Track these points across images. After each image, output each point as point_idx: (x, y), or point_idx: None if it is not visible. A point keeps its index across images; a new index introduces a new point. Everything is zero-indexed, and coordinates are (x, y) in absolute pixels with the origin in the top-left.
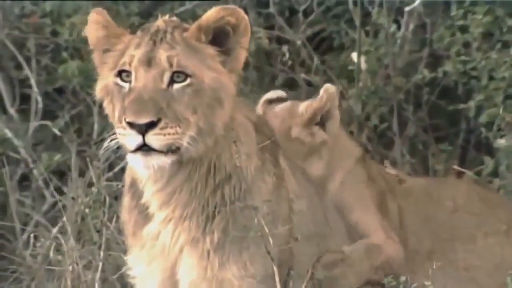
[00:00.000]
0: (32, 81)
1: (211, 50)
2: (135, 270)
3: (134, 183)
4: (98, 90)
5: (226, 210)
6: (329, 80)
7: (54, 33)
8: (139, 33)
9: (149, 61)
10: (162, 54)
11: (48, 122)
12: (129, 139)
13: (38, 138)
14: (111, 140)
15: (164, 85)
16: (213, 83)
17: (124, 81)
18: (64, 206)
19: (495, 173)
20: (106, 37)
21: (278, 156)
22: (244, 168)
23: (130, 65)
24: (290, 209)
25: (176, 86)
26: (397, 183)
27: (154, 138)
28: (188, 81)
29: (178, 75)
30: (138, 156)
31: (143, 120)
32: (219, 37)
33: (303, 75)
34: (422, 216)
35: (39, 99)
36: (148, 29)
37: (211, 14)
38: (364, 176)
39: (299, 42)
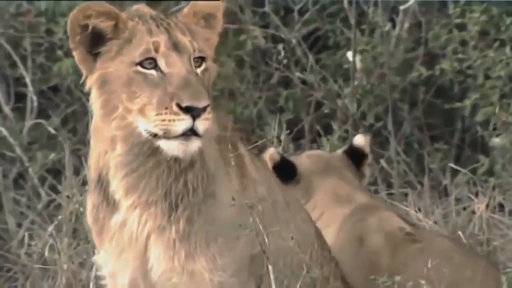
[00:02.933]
0: (27, 80)
1: (207, 35)
2: (106, 268)
3: (100, 177)
4: (93, 81)
5: (189, 199)
6: (324, 79)
7: (49, 32)
8: (136, 19)
9: (175, 47)
10: (183, 39)
11: (43, 121)
12: (181, 123)
13: (33, 136)
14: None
15: (195, 70)
16: (213, 68)
17: (146, 68)
18: (59, 205)
19: (490, 172)
20: (114, 25)
21: (237, 144)
22: (206, 156)
23: (156, 51)
24: (255, 196)
25: (198, 70)
26: (407, 241)
27: (202, 123)
28: (203, 66)
29: (197, 59)
30: (180, 141)
31: (203, 103)
32: (206, 22)
33: (298, 74)
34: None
35: (34, 97)
36: (141, 15)
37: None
38: None
39: (294, 41)
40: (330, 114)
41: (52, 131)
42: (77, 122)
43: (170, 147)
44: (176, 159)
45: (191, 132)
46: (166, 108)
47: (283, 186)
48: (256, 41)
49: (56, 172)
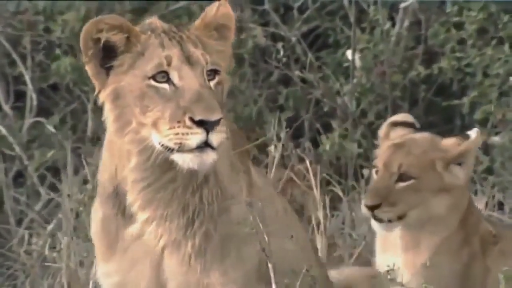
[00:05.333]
0: (27, 78)
1: (220, 47)
2: (112, 278)
3: (117, 190)
4: (106, 95)
5: (205, 214)
6: (324, 77)
7: (47, 30)
8: (149, 33)
9: (188, 60)
10: (195, 53)
11: (42, 119)
12: (195, 137)
13: (33, 135)
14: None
15: (208, 83)
16: (226, 80)
17: (159, 82)
18: (58, 203)
19: (489, 170)
20: (126, 39)
21: (247, 161)
22: (219, 171)
23: (169, 65)
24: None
25: (211, 83)
26: (491, 244)
27: (216, 136)
28: (217, 79)
29: (209, 73)
30: (194, 154)
31: (216, 117)
32: (219, 34)
33: (297, 72)
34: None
35: (34, 96)
36: (154, 29)
37: (217, 10)
38: (458, 244)
39: (294, 39)
40: (330, 112)
41: (52, 129)
42: (76, 121)
43: (185, 160)
44: (191, 174)
45: (206, 145)
46: (179, 122)
47: (280, 194)
48: (256, 39)
49: (55, 170)
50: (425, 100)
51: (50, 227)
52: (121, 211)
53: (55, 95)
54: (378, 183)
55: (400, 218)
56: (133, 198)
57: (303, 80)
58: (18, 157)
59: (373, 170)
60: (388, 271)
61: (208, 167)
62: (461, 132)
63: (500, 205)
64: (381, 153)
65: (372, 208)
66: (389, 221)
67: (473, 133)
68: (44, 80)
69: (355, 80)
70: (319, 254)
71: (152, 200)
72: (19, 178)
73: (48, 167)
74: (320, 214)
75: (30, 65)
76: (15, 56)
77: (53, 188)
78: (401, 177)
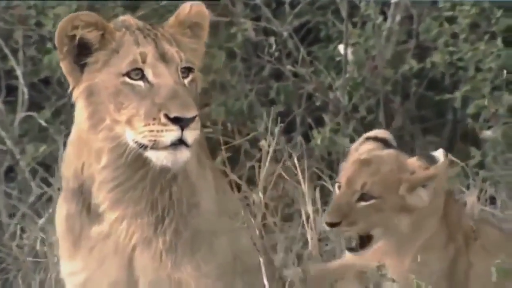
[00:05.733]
0: (18, 72)
1: (194, 45)
2: (77, 276)
3: (82, 187)
4: (80, 92)
5: (175, 211)
6: (316, 72)
7: (39, 24)
8: (123, 30)
9: (163, 57)
10: (170, 50)
11: (34, 114)
12: (169, 134)
13: (24, 129)
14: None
15: (182, 80)
16: (199, 78)
17: (133, 79)
18: (50, 198)
19: (481, 165)
20: (101, 36)
21: (208, 154)
22: (187, 167)
23: (143, 62)
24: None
25: (185, 81)
26: (472, 239)
27: (191, 133)
28: (190, 76)
29: (183, 70)
30: (169, 151)
31: (191, 114)
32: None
33: (289, 67)
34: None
35: (25, 90)
36: (128, 26)
37: (190, 8)
38: (443, 241)
39: (285, 34)
40: (322, 107)
41: (43, 123)
42: (68, 115)
43: (159, 158)
44: (161, 171)
45: (180, 142)
46: (154, 119)
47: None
48: (246, 33)
49: (47, 164)
50: (417, 94)
51: (41, 221)
52: (86, 208)
53: (46, 89)
54: (339, 200)
55: (369, 240)
56: (101, 198)
57: (295, 75)
58: (9, 152)
59: (336, 185)
60: (379, 266)
61: (181, 165)
62: (453, 126)
63: (492, 199)
64: (346, 168)
65: (331, 225)
66: (356, 248)
67: (438, 154)
68: (35, 74)
69: (347, 75)
70: (309, 248)
71: (121, 199)
72: (10, 172)
73: (39, 162)
74: (309, 209)
75: (21, 59)
76: (6, 50)
77: (45, 182)
78: (363, 196)
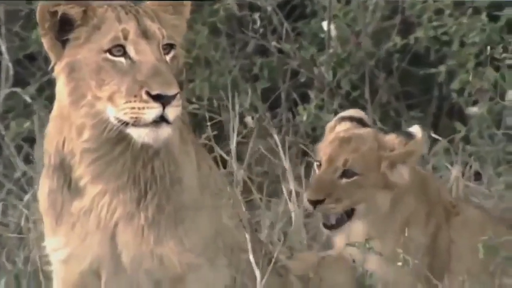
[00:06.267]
0: (3, 48)
1: (176, 21)
2: (60, 252)
3: (63, 162)
4: (61, 67)
5: (157, 186)
6: (301, 47)
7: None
8: (105, 6)
9: (144, 34)
10: (152, 27)
11: (19, 89)
12: (151, 111)
13: (9, 105)
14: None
15: (164, 57)
16: (181, 55)
17: (115, 55)
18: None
19: (466, 140)
20: (83, 12)
21: (190, 130)
22: (169, 142)
23: (125, 39)
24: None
25: (167, 58)
26: (452, 214)
27: (172, 110)
28: (172, 53)
29: (165, 47)
30: (150, 128)
31: (173, 91)
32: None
33: (274, 43)
34: (474, 251)
35: (10, 66)
36: (109, 3)
37: None
38: (423, 217)
39: (270, 9)
40: (307, 83)
41: (28, 99)
42: (53, 91)
43: (141, 135)
44: (142, 147)
45: (161, 119)
46: (135, 96)
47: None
48: (230, 8)
49: (32, 141)
50: (401, 69)
51: (26, 197)
52: (67, 184)
53: (31, 65)
54: (321, 177)
55: (349, 216)
56: (82, 171)
57: (280, 51)
58: None
59: (315, 164)
60: (367, 239)
61: (162, 142)
62: (439, 102)
63: (478, 175)
64: (325, 147)
65: (315, 203)
66: (335, 225)
67: (415, 130)
68: (21, 50)
69: (331, 50)
70: (294, 224)
71: (102, 173)
72: None
73: (25, 138)
74: (292, 185)
75: (4, 34)
76: None
77: (30, 159)
78: (345, 173)
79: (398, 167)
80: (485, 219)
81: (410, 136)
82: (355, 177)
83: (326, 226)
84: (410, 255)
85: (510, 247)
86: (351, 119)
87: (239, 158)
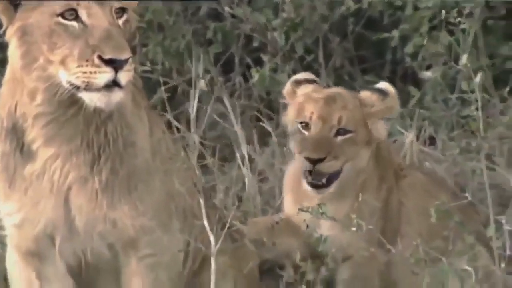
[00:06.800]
0: None
1: None
2: (14, 217)
3: (15, 126)
4: (13, 31)
5: (111, 150)
6: (254, 12)
7: None
8: None
9: None
10: None
11: None
12: (103, 76)
13: None
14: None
15: (116, 21)
16: (133, 18)
17: (67, 19)
18: None
19: (420, 105)
20: None
21: (143, 95)
22: (122, 106)
23: (77, 3)
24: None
25: (119, 22)
26: (401, 176)
27: (125, 74)
28: (125, 17)
29: (117, 11)
30: (102, 93)
31: (125, 55)
32: None
33: (227, 8)
34: (421, 214)
35: None
36: None
37: None
38: (376, 181)
39: None
40: (260, 47)
41: None
42: (5, 54)
43: (92, 99)
44: (95, 110)
45: (113, 84)
46: (87, 60)
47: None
48: None
49: None
50: (355, 34)
51: None
52: (19, 147)
53: None
54: (318, 136)
55: (336, 175)
56: (34, 134)
57: (233, 15)
58: None
59: (298, 125)
60: (319, 204)
61: (115, 106)
62: (393, 66)
63: (432, 140)
64: (306, 107)
65: (315, 162)
66: (325, 184)
67: (385, 86)
68: None
69: (284, 15)
70: (247, 189)
71: (55, 137)
72: None
73: None
74: (244, 149)
75: None
76: None
77: None
78: (339, 131)
79: (380, 123)
80: (429, 184)
81: (382, 92)
82: (349, 135)
83: (315, 186)
84: (365, 220)
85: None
86: (307, 81)
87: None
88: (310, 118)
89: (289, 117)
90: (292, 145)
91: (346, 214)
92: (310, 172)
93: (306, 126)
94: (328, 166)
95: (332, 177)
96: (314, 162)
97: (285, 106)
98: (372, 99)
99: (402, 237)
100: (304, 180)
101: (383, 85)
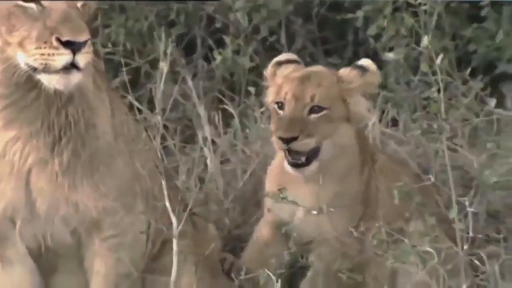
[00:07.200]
0: None
1: None
2: None
3: None
4: None
5: (72, 131)
6: None
7: None
8: None
9: None
10: None
11: None
12: (61, 58)
13: None
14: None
15: (75, 3)
16: (92, 1)
17: (26, 1)
18: None
19: (383, 86)
20: None
21: (104, 76)
22: (83, 88)
23: None
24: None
25: (78, 4)
26: (374, 161)
27: (83, 57)
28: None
29: None
30: (61, 75)
31: (83, 38)
32: None
33: None
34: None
35: None
36: None
37: None
38: (359, 165)
39: None
40: (223, 29)
41: None
42: None
43: (51, 81)
44: (56, 93)
45: (71, 66)
46: (45, 42)
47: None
48: None
49: None
50: (318, 15)
51: None
52: None
53: None
54: (291, 115)
55: (315, 153)
56: None
57: None
58: None
59: (274, 106)
60: (280, 189)
61: (73, 88)
62: (355, 48)
63: (394, 121)
64: (283, 88)
65: (288, 141)
66: (305, 162)
67: (366, 63)
68: None
69: None
70: (211, 169)
71: (15, 119)
72: None
73: None
74: (207, 131)
75: None
76: None
77: None
78: (314, 109)
79: (360, 98)
80: (394, 166)
81: (362, 68)
82: (323, 112)
83: (294, 165)
84: (347, 203)
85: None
86: (289, 61)
87: (153, 103)
88: (285, 98)
89: (269, 99)
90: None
91: (330, 197)
92: (289, 152)
93: (281, 106)
94: (302, 145)
95: (311, 156)
96: (287, 141)
97: (266, 88)
98: (350, 75)
99: (378, 221)
100: (285, 161)
101: (364, 61)
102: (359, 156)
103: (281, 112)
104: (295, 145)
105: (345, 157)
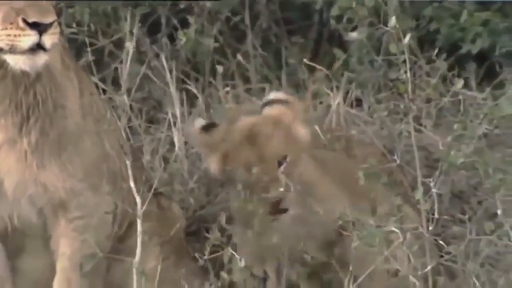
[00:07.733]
0: None
1: None
2: None
3: None
4: None
5: (40, 111)
6: None
7: None
8: None
9: None
10: None
11: None
12: (27, 39)
13: None
14: None
15: None
16: None
17: None
18: None
19: (346, 66)
20: None
21: (72, 56)
22: (51, 68)
23: None
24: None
25: None
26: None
27: (49, 37)
28: None
29: None
30: (27, 56)
31: (50, 19)
32: None
33: None
34: None
35: None
36: None
37: None
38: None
39: None
40: (187, 9)
41: None
42: None
43: (17, 62)
44: (23, 73)
45: (38, 47)
46: (11, 23)
47: None
48: None
49: None
50: None
51: None
52: None
53: None
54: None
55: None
56: None
57: None
58: None
59: None
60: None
61: (39, 69)
62: (319, 28)
63: (359, 102)
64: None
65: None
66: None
67: (279, 96)
68: None
69: None
70: (178, 150)
71: None
72: None
73: None
74: (177, 110)
75: None
76: None
77: None
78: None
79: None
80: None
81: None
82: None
83: None
84: None
85: None
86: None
87: (118, 84)
88: None
89: None
90: None
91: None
92: None
93: None
94: None
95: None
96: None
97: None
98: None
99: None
100: None
101: (277, 95)
102: None
103: None
104: None
105: None
